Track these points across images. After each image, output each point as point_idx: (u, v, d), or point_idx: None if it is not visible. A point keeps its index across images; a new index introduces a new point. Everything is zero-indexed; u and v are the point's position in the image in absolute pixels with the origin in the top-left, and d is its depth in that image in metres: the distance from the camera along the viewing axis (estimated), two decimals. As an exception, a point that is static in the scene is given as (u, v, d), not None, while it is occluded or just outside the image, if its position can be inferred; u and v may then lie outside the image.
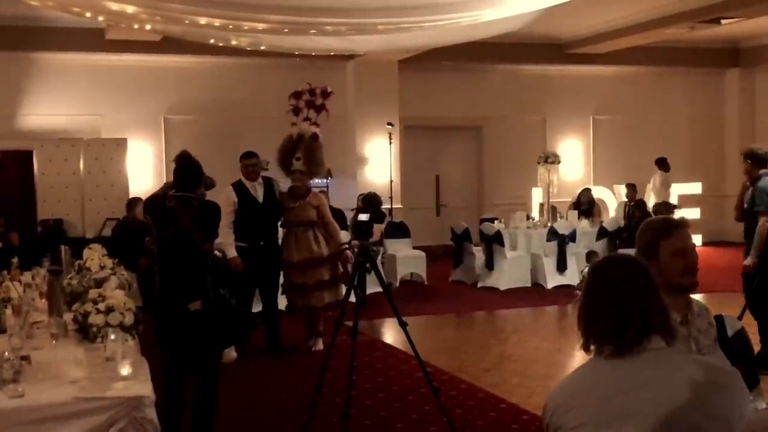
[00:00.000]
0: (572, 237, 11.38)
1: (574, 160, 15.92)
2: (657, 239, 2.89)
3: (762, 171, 6.60)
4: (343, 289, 7.74)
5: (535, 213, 13.29)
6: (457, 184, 15.50)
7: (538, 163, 13.96)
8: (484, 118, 15.53)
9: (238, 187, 7.59)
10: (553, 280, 11.30)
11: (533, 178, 14.61)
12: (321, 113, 7.91)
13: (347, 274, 7.81)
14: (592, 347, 2.33)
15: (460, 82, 15.13)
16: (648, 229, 2.94)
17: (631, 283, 2.28)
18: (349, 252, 7.71)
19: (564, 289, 10.96)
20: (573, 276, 11.11)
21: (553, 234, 11.36)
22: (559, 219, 12.18)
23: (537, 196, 14.31)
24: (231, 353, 7.13)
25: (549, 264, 11.33)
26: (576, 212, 12.58)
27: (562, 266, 11.31)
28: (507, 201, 14.67)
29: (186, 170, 4.72)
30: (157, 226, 4.71)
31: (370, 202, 10.20)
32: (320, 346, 7.68)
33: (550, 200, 13.65)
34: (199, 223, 4.64)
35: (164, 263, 4.71)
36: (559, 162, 13.96)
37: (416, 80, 14.52)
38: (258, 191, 7.58)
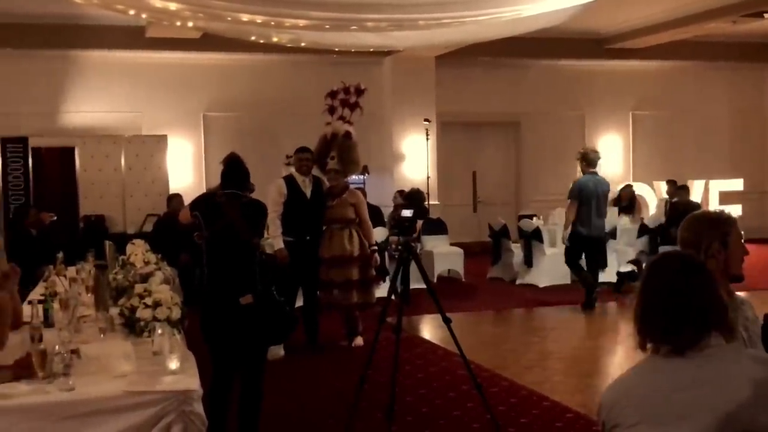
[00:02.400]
0: (613, 234, 11.25)
1: (613, 156, 15.74)
2: (727, 229, 2.89)
3: None
4: (375, 291, 7.78)
5: (574, 209, 13.13)
6: (494, 180, 15.42)
7: (577, 159, 13.79)
8: (522, 114, 15.43)
9: (289, 180, 7.64)
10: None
11: (572, 174, 14.41)
12: (355, 111, 7.92)
13: (378, 277, 7.82)
14: (649, 345, 2.29)
15: (498, 78, 15.04)
16: (714, 220, 2.94)
17: (689, 280, 2.24)
18: (376, 255, 7.71)
19: (604, 287, 10.83)
20: (613, 273, 10.97)
21: (592, 231, 11.21)
22: (598, 216, 12.03)
23: (576, 193, 14.15)
24: (279, 351, 7.16)
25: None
26: (616, 209, 12.43)
27: (602, 263, 11.15)
28: (545, 197, 14.56)
29: (234, 171, 4.80)
30: (206, 222, 4.75)
31: (414, 198, 10.19)
32: (360, 342, 7.69)
33: (590, 197, 13.48)
34: (246, 218, 4.68)
35: (213, 258, 4.75)
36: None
37: (453, 76, 14.45)
38: (307, 187, 7.61)
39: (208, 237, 4.79)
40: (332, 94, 7.99)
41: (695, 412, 2.11)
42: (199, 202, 4.94)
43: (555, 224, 11.85)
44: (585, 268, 9.78)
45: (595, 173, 9.57)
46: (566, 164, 14.50)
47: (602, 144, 15.56)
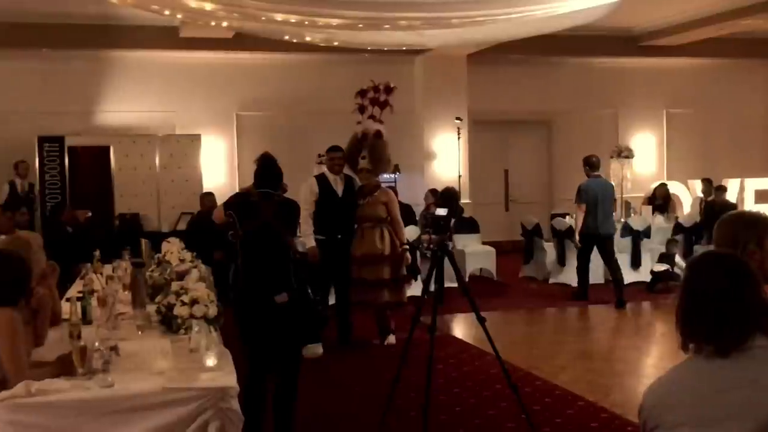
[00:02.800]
0: (647, 233, 11.15)
1: (647, 154, 15.60)
2: (764, 230, 2.86)
3: None
4: (406, 291, 7.77)
5: (607, 208, 13.01)
6: (526, 179, 15.34)
7: (611, 157, 13.73)
8: (555, 112, 15.35)
9: (321, 179, 7.67)
10: (627, 276, 11.04)
11: (605, 172, 14.31)
12: (385, 109, 7.92)
13: (410, 276, 7.81)
14: (691, 346, 2.26)
15: (530, 76, 14.96)
16: (751, 221, 2.90)
17: (732, 280, 2.20)
18: (408, 254, 7.70)
19: (638, 286, 10.75)
20: (647, 272, 10.88)
21: (627, 230, 11.15)
22: (633, 215, 11.94)
23: (609, 191, 14.03)
24: (317, 349, 7.19)
25: (623, 260, 11.08)
26: (650, 208, 12.31)
27: (636, 262, 11.08)
28: (578, 196, 14.41)
29: (268, 170, 4.85)
30: (240, 221, 4.77)
31: (448, 197, 10.17)
32: (392, 340, 7.69)
33: (624, 195, 13.39)
34: (280, 217, 4.70)
35: (248, 257, 4.77)
36: (632, 156, 13.69)
37: (485, 74, 14.40)
38: (339, 185, 7.63)
39: (242, 236, 4.81)
40: (362, 93, 8.00)
41: (739, 414, 2.08)
42: (234, 201, 4.97)
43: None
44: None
45: (599, 176, 10.01)
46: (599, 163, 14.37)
47: (636, 142, 15.46)
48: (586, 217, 9.70)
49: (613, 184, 10.25)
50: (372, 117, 7.85)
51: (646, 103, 15.73)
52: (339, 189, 7.63)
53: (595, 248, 9.93)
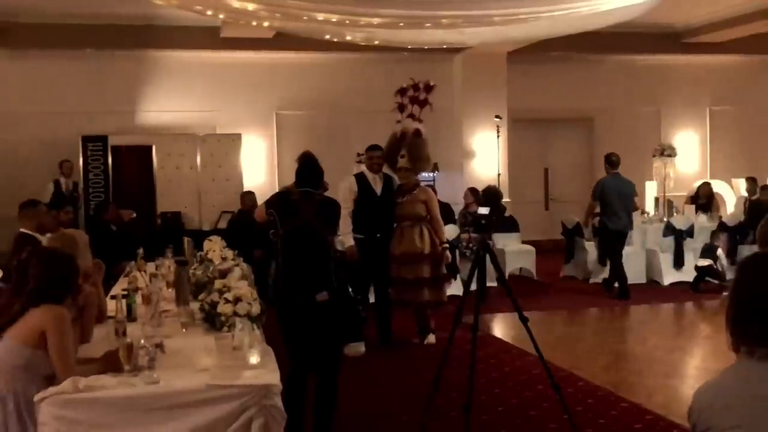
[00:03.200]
0: (689, 232, 10.99)
1: (690, 152, 15.38)
2: None
3: None
4: (446, 289, 7.75)
5: (649, 207, 12.87)
6: (566, 177, 15.22)
7: (654, 156, 13.56)
8: (596, 110, 15.21)
9: (360, 177, 7.68)
10: (669, 276, 10.95)
11: (647, 171, 14.20)
12: (425, 108, 7.91)
13: (449, 275, 7.78)
14: (743, 348, 2.21)
15: (571, 73, 14.85)
16: None
17: (786, 280, 2.16)
18: (448, 253, 7.67)
19: (681, 286, 10.61)
20: (690, 272, 10.73)
21: (669, 229, 11.01)
22: (675, 214, 11.78)
23: (651, 190, 13.87)
24: (359, 347, 7.22)
25: (665, 260, 10.99)
26: (693, 207, 12.13)
27: (678, 262, 10.94)
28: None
29: (309, 169, 4.90)
30: (281, 220, 4.79)
31: (491, 196, 10.13)
32: (432, 340, 7.67)
33: (666, 194, 13.21)
34: (321, 216, 4.72)
35: (288, 255, 4.79)
36: (675, 155, 13.50)
37: (525, 72, 14.31)
38: (377, 184, 7.63)
39: (283, 235, 4.84)
40: (402, 92, 8.01)
41: (793, 417, 2.04)
42: (275, 200, 4.99)
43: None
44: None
45: (617, 174, 10.20)
46: (641, 161, 14.25)
47: (678, 140, 15.25)
48: (604, 212, 10.03)
49: (634, 183, 10.44)
50: (411, 116, 7.87)
51: (688, 100, 15.51)
52: (378, 188, 7.64)
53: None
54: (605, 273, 11.04)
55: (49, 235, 5.99)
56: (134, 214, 10.59)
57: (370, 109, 13.05)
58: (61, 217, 8.35)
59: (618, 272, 10.15)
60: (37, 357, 3.39)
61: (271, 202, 4.98)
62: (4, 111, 12.65)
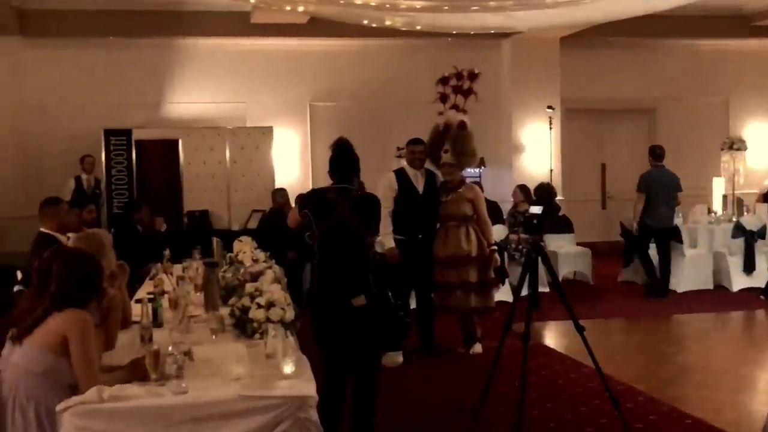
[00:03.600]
0: (762, 233, 10.82)
1: (761, 145, 15.13)
2: None
3: None
4: (494, 295, 7.71)
5: (717, 206, 12.70)
6: (625, 173, 14.97)
7: (722, 149, 13.37)
8: (657, 100, 15.05)
9: (400, 174, 7.65)
10: (739, 281, 10.79)
11: (715, 166, 14.02)
12: (469, 98, 7.85)
13: (498, 280, 7.74)
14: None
15: (630, 60, 14.72)
16: None
17: None
18: (497, 255, 7.63)
19: (752, 293, 10.45)
20: (762, 277, 10.56)
21: (739, 230, 10.84)
22: (746, 213, 11.60)
23: (719, 186, 13.68)
24: (397, 357, 7.23)
25: (734, 264, 10.83)
26: (765, 205, 11.95)
27: (749, 266, 10.78)
28: (684, 192, 14.09)
29: (343, 157, 4.85)
30: (316, 220, 4.81)
31: (544, 193, 10.05)
32: (478, 349, 7.65)
33: (735, 191, 13.02)
34: (359, 215, 4.72)
35: (324, 257, 4.81)
36: (745, 149, 13.30)
37: (580, 58, 14.22)
38: (419, 181, 7.62)
39: (318, 236, 4.85)
40: (444, 81, 7.95)
41: None
42: (308, 199, 4.97)
43: (696, 223, 11.50)
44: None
45: (662, 167, 10.60)
46: (708, 155, 14.06)
47: (749, 132, 15.04)
48: (645, 208, 10.37)
49: (678, 177, 10.74)
50: (455, 107, 7.81)
51: (760, 89, 15.26)
52: (420, 185, 7.62)
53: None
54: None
55: (71, 235, 6.09)
56: (165, 226, 10.69)
57: (411, 100, 13.02)
58: (84, 216, 8.47)
59: (652, 269, 10.52)
60: (60, 364, 3.44)
61: (304, 202, 4.98)
62: (21, 103, 12.85)
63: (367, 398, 4.77)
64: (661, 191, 10.41)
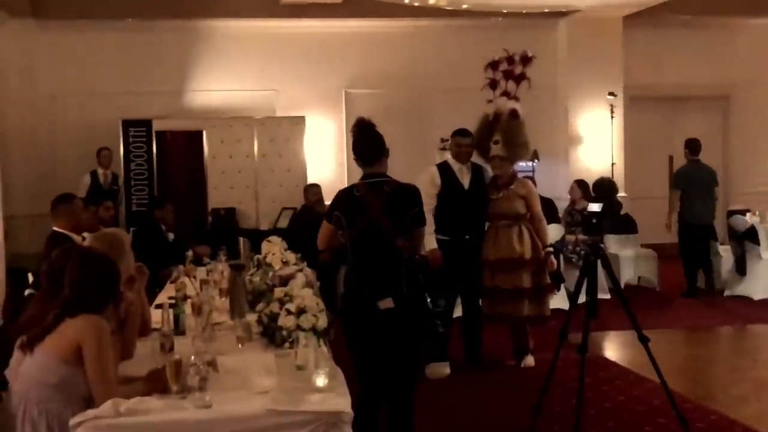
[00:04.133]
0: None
1: None
2: None
3: None
4: (550, 302, 7.67)
5: (798, 204, 12.55)
6: (696, 167, 14.91)
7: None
8: (732, 86, 14.89)
9: (444, 168, 7.63)
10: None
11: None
12: (521, 84, 7.82)
13: (553, 285, 7.69)
14: None
15: (702, 42, 14.57)
16: None
17: None
18: (553, 258, 7.59)
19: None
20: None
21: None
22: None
23: (802, 182, 13.54)
24: (443, 369, 7.26)
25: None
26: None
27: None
28: (762, 189, 13.96)
29: (364, 139, 4.89)
30: (348, 221, 4.84)
31: (604, 189, 9.97)
32: (530, 362, 7.62)
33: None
34: (391, 211, 4.74)
35: (356, 259, 4.87)
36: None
37: (645, 40, 14.12)
38: (465, 176, 7.59)
39: (351, 237, 4.89)
40: (494, 65, 7.93)
41: None
42: (339, 199, 5.00)
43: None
44: None
45: (698, 161, 11.20)
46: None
47: (837, 122, 14.80)
48: (682, 205, 10.98)
49: (715, 171, 11.33)
50: (506, 94, 7.79)
51: None
52: (465, 180, 7.60)
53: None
54: (744, 285, 10.82)
55: (86, 234, 6.18)
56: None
57: (457, 87, 12.99)
58: (101, 214, 8.57)
59: (703, 266, 11.04)
60: (73, 375, 3.49)
61: (334, 204, 5.02)
62: (33, 92, 13.04)
63: (402, 413, 4.79)
64: (697, 187, 10.96)
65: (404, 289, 4.73)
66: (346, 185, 12.95)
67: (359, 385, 4.76)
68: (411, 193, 4.96)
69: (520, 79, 7.83)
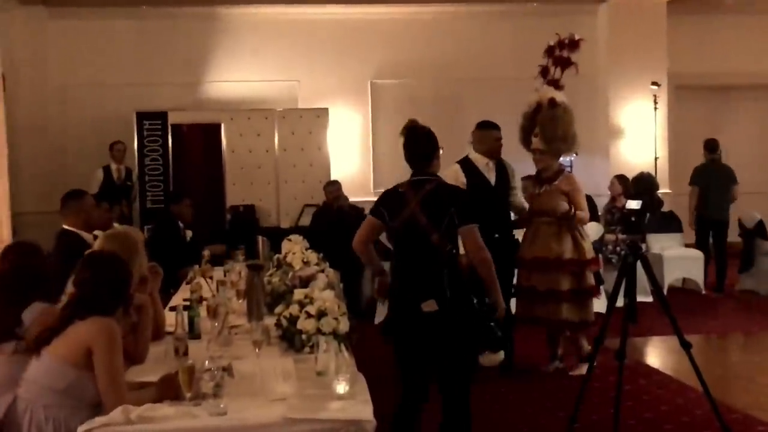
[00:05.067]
0: None
1: None
2: None
3: None
4: (592, 307, 7.60)
5: None
6: (746, 161, 14.74)
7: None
8: (785, 74, 14.76)
9: (467, 165, 7.60)
10: None
11: None
12: (568, 70, 7.77)
13: (596, 287, 7.64)
14: None
15: (752, 27, 14.52)
16: None
17: None
18: (600, 256, 7.53)
19: None
20: None
21: None
22: None
23: None
24: (497, 356, 7.28)
25: None
26: None
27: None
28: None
29: (411, 143, 4.95)
30: (390, 217, 4.91)
31: (643, 184, 9.96)
32: (579, 370, 7.52)
33: None
34: (427, 207, 4.77)
35: (398, 259, 4.94)
36: None
37: (691, 25, 14.07)
38: (491, 172, 7.56)
39: (392, 232, 4.99)
40: (550, 51, 7.87)
41: None
42: (384, 195, 5.11)
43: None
44: None
45: (714, 159, 12.01)
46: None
47: None
48: (699, 201, 11.70)
49: (732, 169, 11.99)
50: (553, 82, 7.73)
51: None
52: (492, 177, 7.55)
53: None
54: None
55: (97, 233, 6.22)
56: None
57: (489, 77, 13.00)
58: (114, 211, 8.63)
59: (719, 262, 11.60)
60: (82, 379, 3.53)
61: (380, 199, 5.09)
62: (43, 83, 13.17)
63: (457, 422, 4.82)
64: (714, 184, 11.70)
65: (447, 291, 4.76)
66: (372, 181, 13.03)
67: (400, 388, 4.84)
68: (451, 192, 5.03)
69: (566, 64, 7.77)
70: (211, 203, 12.48)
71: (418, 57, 13.73)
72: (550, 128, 7.54)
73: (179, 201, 9.41)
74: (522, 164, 8.02)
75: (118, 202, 11.11)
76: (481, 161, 7.53)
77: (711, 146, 12.15)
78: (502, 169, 7.64)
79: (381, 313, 9.05)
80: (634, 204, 5.17)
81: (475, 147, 7.65)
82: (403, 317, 4.84)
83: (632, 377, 7.21)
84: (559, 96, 7.65)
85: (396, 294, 4.94)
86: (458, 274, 4.83)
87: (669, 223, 11.74)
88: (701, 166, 12.06)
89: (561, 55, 7.75)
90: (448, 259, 4.77)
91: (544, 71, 7.79)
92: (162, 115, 12.67)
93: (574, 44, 7.78)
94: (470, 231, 4.86)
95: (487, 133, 7.59)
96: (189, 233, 9.25)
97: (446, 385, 4.83)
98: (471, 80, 13.63)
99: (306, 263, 6.15)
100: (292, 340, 4.41)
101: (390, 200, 4.97)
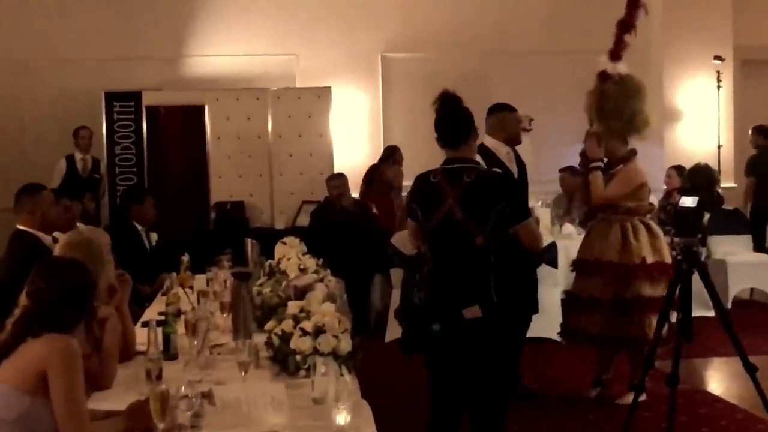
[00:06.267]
0: None
1: None
2: None
3: None
4: (651, 323, 7.50)
5: None
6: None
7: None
8: None
9: (485, 153, 7.53)
10: None
11: None
12: (628, 35, 7.73)
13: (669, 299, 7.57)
14: None
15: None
16: None
17: None
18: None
19: None
20: None
21: None
22: None
23: None
24: None
25: None
26: None
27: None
28: None
29: (446, 117, 5.02)
30: (423, 211, 4.94)
31: (699, 178, 9.89)
32: (622, 394, 7.50)
33: None
34: (467, 206, 4.80)
35: (435, 260, 4.96)
36: None
37: (761, -9, 14.02)
38: (512, 162, 7.42)
39: (428, 233, 4.99)
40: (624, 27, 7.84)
41: None
42: (414, 188, 5.14)
43: None
44: None
45: (766, 146, 12.59)
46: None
47: None
48: (756, 193, 12.39)
49: None
50: (614, 53, 7.69)
51: None
52: (513, 167, 7.52)
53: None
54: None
55: (57, 234, 6.23)
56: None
57: (516, 50, 12.97)
58: (86, 207, 8.56)
59: None
60: (36, 408, 3.51)
61: (410, 193, 5.12)
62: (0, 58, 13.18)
63: None
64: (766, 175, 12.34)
65: (495, 296, 4.77)
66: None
67: (432, 402, 4.90)
68: (496, 183, 5.03)
69: (627, 28, 7.73)
70: (193, 199, 12.49)
71: (437, 27, 13.71)
72: (605, 108, 7.52)
73: (142, 201, 9.08)
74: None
75: (83, 198, 11.08)
76: (502, 149, 7.36)
77: (765, 132, 12.67)
78: (520, 159, 7.59)
79: (393, 328, 9.03)
80: (688, 201, 5.12)
81: (493, 133, 7.49)
82: (440, 323, 4.85)
83: (689, 406, 7.18)
84: (614, 67, 7.62)
85: (432, 300, 4.93)
86: (508, 275, 4.84)
87: (734, 224, 11.69)
88: (755, 155, 12.65)
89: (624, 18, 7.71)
90: (496, 260, 4.77)
91: (618, 42, 7.73)
92: (135, 96, 12.64)
93: (636, 4, 7.72)
94: (527, 228, 4.89)
95: (509, 116, 7.35)
96: (154, 236, 9.04)
97: (480, 406, 4.86)
98: (495, 54, 13.57)
99: (303, 270, 6.14)
100: (284, 361, 4.40)
101: (422, 194, 5.00)
